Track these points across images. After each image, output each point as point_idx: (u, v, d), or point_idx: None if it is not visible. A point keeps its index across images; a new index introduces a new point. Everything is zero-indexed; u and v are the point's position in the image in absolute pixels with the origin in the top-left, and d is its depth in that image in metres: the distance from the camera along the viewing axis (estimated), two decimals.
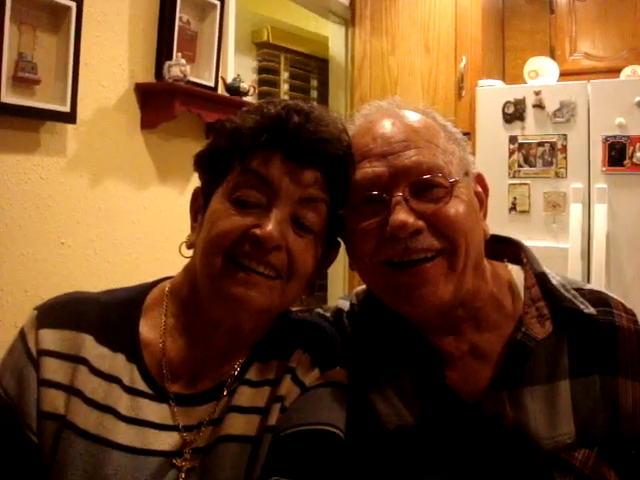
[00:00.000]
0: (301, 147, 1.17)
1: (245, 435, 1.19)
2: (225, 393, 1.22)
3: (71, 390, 1.18)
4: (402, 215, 1.20)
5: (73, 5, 2.63)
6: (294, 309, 1.37)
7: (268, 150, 1.17)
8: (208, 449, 1.19)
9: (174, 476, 1.16)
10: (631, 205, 3.90)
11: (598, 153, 3.96)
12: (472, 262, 1.25)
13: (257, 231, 1.15)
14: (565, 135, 4.02)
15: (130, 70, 3.00)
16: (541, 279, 1.33)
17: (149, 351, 1.24)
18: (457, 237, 1.22)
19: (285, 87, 4.84)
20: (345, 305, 1.45)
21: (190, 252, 1.26)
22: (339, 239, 1.32)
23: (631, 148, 3.88)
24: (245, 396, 1.22)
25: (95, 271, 2.84)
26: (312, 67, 5.08)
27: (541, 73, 4.31)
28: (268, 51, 4.67)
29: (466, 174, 1.29)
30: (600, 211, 3.91)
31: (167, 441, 1.18)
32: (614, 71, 4.30)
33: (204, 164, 1.27)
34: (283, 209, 1.17)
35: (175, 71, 2.99)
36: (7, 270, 2.53)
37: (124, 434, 1.17)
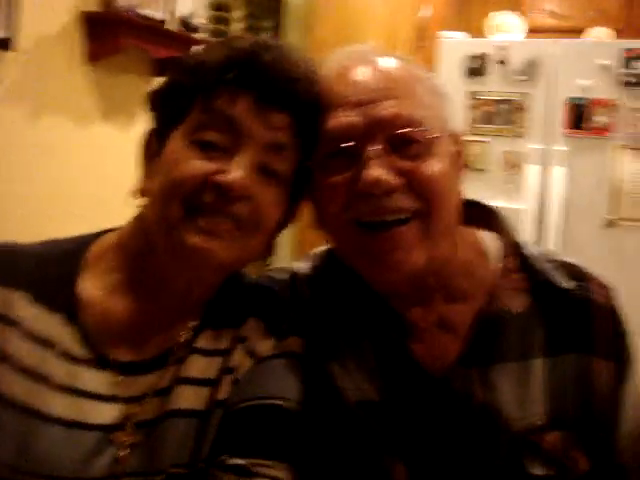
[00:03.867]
0: (272, 87, 1.06)
1: (194, 409, 1.09)
2: (173, 361, 1.11)
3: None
4: (377, 170, 1.10)
5: None
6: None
7: (236, 88, 1.06)
8: (153, 423, 1.08)
9: (114, 452, 1.06)
10: (590, 169, 3.85)
11: (560, 114, 3.89)
12: (448, 227, 1.16)
13: (220, 178, 1.04)
14: (527, 94, 3.93)
15: None
16: (517, 249, 1.25)
17: (90, 311, 1.11)
18: (435, 198, 1.12)
19: (238, 27, 4.65)
20: (303, 268, 1.34)
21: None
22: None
23: (593, 111, 3.80)
24: (196, 366, 1.11)
25: (31, 213, 2.66)
26: (267, 7, 4.89)
27: (505, 28, 4.21)
28: None
29: (445, 131, 1.18)
30: (558, 174, 3.85)
31: (107, 413, 1.07)
32: (578, 31, 4.24)
33: (160, 102, 1.14)
34: (250, 154, 1.06)
35: (124, 1, 2.81)
36: None
37: (59, 405, 1.05)
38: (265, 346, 1.15)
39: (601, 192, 3.81)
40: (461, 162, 1.23)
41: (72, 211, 2.82)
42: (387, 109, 1.12)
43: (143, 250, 1.12)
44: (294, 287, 1.30)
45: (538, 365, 1.18)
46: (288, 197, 1.14)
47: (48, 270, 1.13)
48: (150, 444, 1.07)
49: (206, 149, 1.06)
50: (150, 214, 1.10)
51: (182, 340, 1.13)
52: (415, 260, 1.12)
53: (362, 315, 1.23)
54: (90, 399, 1.07)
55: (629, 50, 3.77)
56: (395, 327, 1.20)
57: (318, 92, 1.13)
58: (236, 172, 1.04)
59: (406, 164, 1.12)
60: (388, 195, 1.11)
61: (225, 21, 4.52)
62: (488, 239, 1.28)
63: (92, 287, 1.13)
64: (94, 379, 1.08)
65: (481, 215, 1.31)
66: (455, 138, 1.23)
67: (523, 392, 1.16)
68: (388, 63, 1.20)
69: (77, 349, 1.09)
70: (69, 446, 1.04)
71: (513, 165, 3.93)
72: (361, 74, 1.17)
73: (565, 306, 1.21)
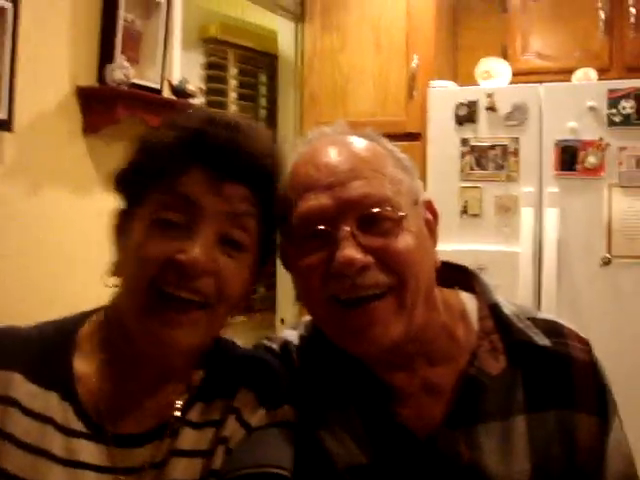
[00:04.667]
0: (226, 162, 1.11)
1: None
2: (167, 434, 1.15)
3: (1, 434, 1.10)
4: (349, 251, 1.14)
5: (9, 6, 2.50)
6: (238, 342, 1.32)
7: (189, 167, 1.11)
8: None
9: None
10: (582, 209, 3.88)
11: (550, 157, 3.93)
12: (423, 296, 1.21)
13: (182, 257, 1.07)
14: (517, 138, 3.98)
15: (71, 73, 2.88)
16: (494, 309, 1.29)
17: (84, 388, 1.16)
18: (407, 272, 1.17)
19: (233, 83, 4.74)
20: (293, 336, 1.38)
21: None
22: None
23: (583, 152, 3.85)
24: (188, 439, 1.16)
25: (35, 283, 2.71)
26: (261, 63, 4.98)
27: (493, 74, 4.26)
28: (216, 47, 4.55)
29: (415, 203, 1.24)
30: (551, 215, 3.88)
31: None
32: (566, 72, 4.27)
33: (124, 183, 1.19)
34: (209, 228, 1.10)
35: (118, 74, 2.88)
36: None
37: (60, 478, 1.09)
38: (257, 416, 1.18)
39: (595, 231, 3.85)
40: (435, 228, 1.28)
41: (76, 284, 2.85)
42: (356, 190, 1.17)
43: (119, 332, 1.16)
44: (285, 356, 1.34)
45: (520, 422, 1.21)
46: (256, 263, 1.18)
47: (41, 350, 1.17)
48: None
49: (167, 228, 1.10)
50: (122, 296, 1.15)
51: (174, 414, 1.17)
52: (392, 333, 1.17)
53: (348, 382, 1.27)
54: (90, 470, 1.11)
55: (612, 91, 3.83)
56: (379, 393, 1.24)
57: (273, 163, 1.17)
58: (196, 249, 1.08)
59: (377, 241, 1.17)
60: (362, 272, 1.15)
61: (221, 80, 4.60)
62: (467, 300, 1.32)
63: (84, 365, 1.18)
64: (92, 452, 1.12)
65: (460, 276, 1.36)
66: (428, 205, 1.28)
67: (507, 450, 1.20)
68: (355, 142, 1.25)
69: (74, 423, 1.13)
70: None
71: (507, 209, 3.96)
72: (330, 156, 1.22)
73: (544, 363, 1.25)
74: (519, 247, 3.92)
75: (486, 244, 4.00)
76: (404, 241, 1.18)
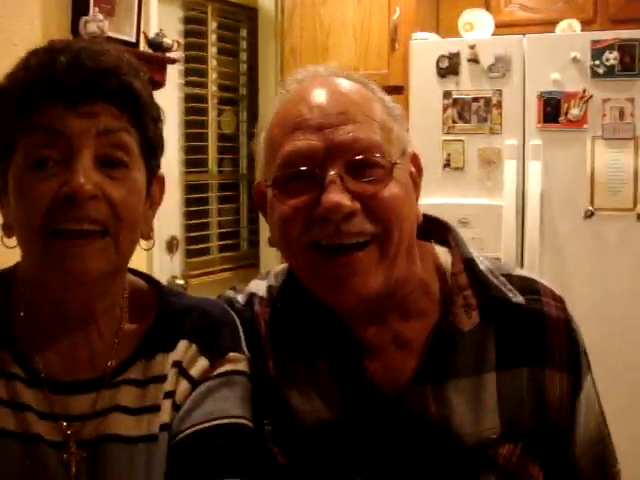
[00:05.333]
0: (77, 85, 1.08)
1: (137, 436, 1.13)
2: (105, 387, 1.15)
3: None
4: (337, 195, 1.12)
5: None
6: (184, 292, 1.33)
7: (45, 102, 1.08)
8: (95, 444, 1.12)
9: (63, 467, 1.11)
10: (565, 162, 3.87)
11: (533, 109, 3.91)
12: (405, 248, 1.19)
13: (65, 189, 1.05)
14: (500, 90, 3.95)
15: (43, 26, 2.83)
16: (469, 265, 1.27)
17: (20, 334, 1.16)
18: (393, 222, 1.15)
19: (213, 37, 4.67)
20: (261, 288, 1.36)
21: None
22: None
23: (566, 104, 3.83)
24: (131, 396, 1.16)
25: None
26: (241, 17, 4.90)
27: (476, 26, 4.22)
28: (195, 0, 4.48)
29: (403, 154, 1.21)
30: (534, 168, 3.87)
31: (50, 429, 1.12)
32: (549, 23, 4.24)
33: None
34: (84, 153, 1.07)
35: (92, 27, 2.84)
36: None
37: (5, 420, 1.11)
38: (199, 368, 1.18)
39: (578, 184, 3.84)
40: (419, 182, 1.26)
41: None
42: (347, 134, 1.15)
43: (33, 281, 1.16)
44: (249, 308, 1.33)
45: (491, 379, 1.21)
46: (143, 185, 1.16)
47: None
48: (96, 466, 1.11)
49: (44, 167, 1.07)
50: (22, 250, 1.13)
51: (112, 368, 1.16)
52: (372, 284, 1.15)
53: (317, 335, 1.25)
54: (34, 414, 1.12)
55: (596, 42, 3.80)
56: (350, 347, 1.23)
57: (128, 76, 1.13)
58: (77, 176, 1.05)
59: (365, 188, 1.15)
60: (347, 219, 1.13)
61: (200, 34, 4.54)
62: (442, 254, 1.31)
63: (19, 312, 1.17)
64: (32, 396, 1.13)
65: (435, 229, 1.34)
66: (413, 158, 1.26)
67: (477, 407, 1.19)
68: (349, 86, 1.22)
69: (12, 368, 1.14)
70: (23, 457, 1.10)
71: (490, 162, 3.95)
72: (321, 97, 1.19)
73: (517, 320, 1.24)
74: (502, 200, 3.91)
75: (469, 197, 3.98)
76: (391, 190, 1.16)
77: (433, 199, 3.77)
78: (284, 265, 1.35)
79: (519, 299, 1.25)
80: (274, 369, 1.25)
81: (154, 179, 1.20)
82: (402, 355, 1.23)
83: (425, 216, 1.30)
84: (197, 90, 4.52)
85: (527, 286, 1.28)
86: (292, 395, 1.23)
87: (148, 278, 1.28)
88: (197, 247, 4.52)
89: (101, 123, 1.08)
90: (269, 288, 1.35)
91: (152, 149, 1.17)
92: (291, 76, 1.29)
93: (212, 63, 4.65)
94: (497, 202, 3.93)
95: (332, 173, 1.13)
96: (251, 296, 1.35)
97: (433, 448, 1.18)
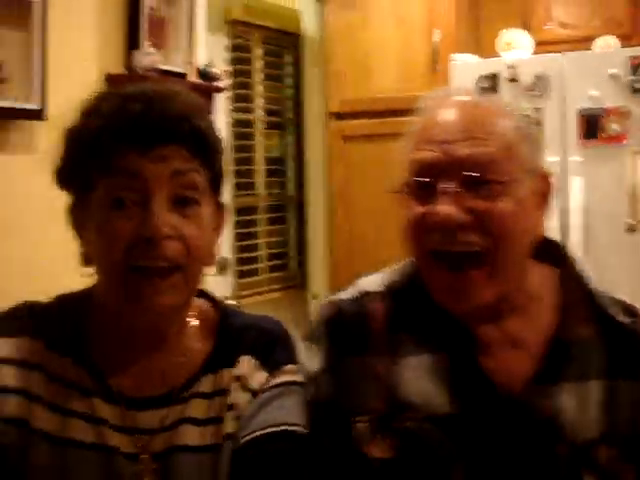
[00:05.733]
0: (149, 132, 1.15)
1: (203, 445, 1.22)
2: (176, 402, 1.24)
3: (29, 395, 1.20)
4: (446, 207, 1.19)
5: None
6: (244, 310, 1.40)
7: (121, 146, 1.15)
8: (165, 456, 1.21)
9: (136, 478, 1.19)
10: (606, 177, 3.92)
11: (573, 126, 3.97)
12: (516, 264, 1.26)
13: (144, 231, 1.14)
14: (540, 108, 4.02)
15: (99, 61, 2.99)
16: (582, 282, 1.34)
17: (96, 353, 1.25)
18: (502, 238, 1.21)
19: (258, 64, 4.81)
20: (373, 285, 1.40)
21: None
22: None
23: (605, 120, 3.88)
24: (199, 408, 1.24)
25: (70, 269, 2.80)
26: (285, 43, 5.04)
27: (515, 45, 4.29)
28: (240, 28, 4.62)
29: (530, 171, 1.26)
30: (576, 183, 3.92)
31: (125, 442, 1.20)
32: (587, 40, 4.29)
33: (66, 177, 1.24)
34: (159, 195, 1.15)
35: (144, 61, 2.97)
36: None
37: (85, 433, 1.19)
38: (258, 380, 1.26)
39: (619, 198, 3.89)
40: (545, 201, 1.31)
41: None
42: (465, 148, 1.21)
43: (109, 307, 1.24)
44: (361, 305, 1.37)
45: (596, 387, 1.27)
46: (212, 217, 1.24)
47: (60, 319, 1.27)
48: (167, 476, 1.20)
49: (122, 206, 1.15)
50: (100, 280, 1.22)
51: (181, 384, 1.25)
52: (482, 296, 1.23)
53: (435, 331, 1.31)
54: (109, 428, 1.20)
55: (635, 57, 3.85)
56: (467, 343, 1.29)
57: (197, 119, 1.20)
58: (154, 217, 1.13)
59: (479, 203, 1.20)
60: (456, 231, 1.20)
61: (245, 61, 4.67)
62: (555, 272, 1.36)
63: (95, 333, 1.26)
64: (108, 410, 1.21)
65: (550, 248, 1.38)
66: (542, 177, 1.30)
67: (582, 410, 1.25)
68: (478, 105, 1.30)
69: (89, 384, 1.22)
70: (98, 467, 1.18)
71: None
72: (450, 113, 1.27)
73: (621, 338, 1.30)
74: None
75: None
76: (505, 206, 1.21)
77: None
78: (400, 263, 1.40)
79: (625, 319, 1.31)
80: (388, 364, 1.30)
81: (219, 208, 1.29)
82: (517, 355, 1.28)
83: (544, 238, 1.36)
84: (244, 115, 4.66)
85: (628, 308, 1.34)
86: (406, 388, 1.29)
87: (211, 297, 1.36)
88: (247, 268, 4.63)
89: (173, 166, 1.16)
90: (385, 285, 1.39)
91: (218, 183, 1.26)
92: (429, 96, 1.36)
93: (258, 89, 4.79)
94: None
95: (446, 185, 1.21)
96: (362, 294, 1.38)
97: (541, 444, 1.24)
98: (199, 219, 1.20)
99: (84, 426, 1.20)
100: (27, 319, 1.26)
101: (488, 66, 4.20)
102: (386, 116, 4.45)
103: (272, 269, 4.88)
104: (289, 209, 5.08)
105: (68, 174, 1.22)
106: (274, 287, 4.78)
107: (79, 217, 1.23)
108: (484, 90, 4.11)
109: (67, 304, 1.30)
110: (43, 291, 1.32)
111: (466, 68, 4.25)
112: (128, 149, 1.14)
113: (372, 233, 4.58)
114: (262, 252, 4.80)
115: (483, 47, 4.72)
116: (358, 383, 1.30)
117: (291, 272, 5.01)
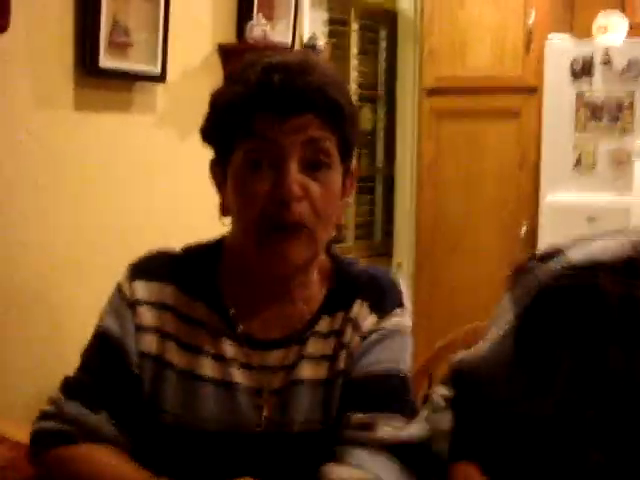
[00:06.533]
0: (289, 101, 1.25)
1: (318, 379, 1.35)
2: (295, 342, 1.37)
3: (163, 333, 1.35)
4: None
5: None
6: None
7: (259, 113, 1.26)
8: (283, 391, 1.34)
9: (256, 410, 1.33)
10: None
11: None
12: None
13: (278, 192, 1.25)
14: (633, 92, 4.07)
15: (213, 31, 3.15)
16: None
17: (227, 299, 1.38)
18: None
19: (354, 38, 4.93)
20: (607, 253, 1.12)
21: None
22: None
23: None
24: (316, 346, 1.36)
25: (185, 223, 2.99)
26: (381, 19, 5.15)
27: (610, 29, 4.32)
28: (339, 3, 4.75)
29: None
30: None
31: (248, 379, 1.34)
32: None
33: (210, 137, 1.36)
34: (292, 159, 1.26)
35: (257, 31, 3.12)
36: (108, 217, 2.74)
37: (212, 369, 1.33)
38: (369, 324, 1.38)
39: None
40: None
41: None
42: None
43: (239, 260, 1.38)
44: (593, 278, 1.11)
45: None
46: (339, 183, 1.34)
47: (190, 267, 1.40)
48: (284, 408, 1.34)
49: (260, 168, 1.27)
50: (237, 232, 1.36)
51: (302, 325, 1.38)
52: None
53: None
54: (235, 367, 1.34)
55: None
56: None
57: (333, 88, 1.29)
58: (288, 179, 1.25)
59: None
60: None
61: (343, 35, 4.80)
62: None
63: (224, 282, 1.39)
64: (235, 351, 1.35)
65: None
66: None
67: None
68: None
69: (219, 325, 1.36)
70: (222, 401, 1.33)
71: (620, 161, 4.06)
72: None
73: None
74: (631, 198, 4.02)
75: (598, 195, 4.12)
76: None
77: (563, 195, 3.93)
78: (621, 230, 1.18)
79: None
80: (619, 358, 1.09)
81: (348, 173, 1.40)
82: None
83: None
84: None
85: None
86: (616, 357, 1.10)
87: (327, 248, 1.47)
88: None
89: (308, 133, 1.27)
90: (623, 256, 1.12)
91: (349, 150, 1.37)
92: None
93: (353, 62, 4.92)
94: (626, 199, 4.05)
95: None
96: (594, 264, 1.12)
97: None
98: (328, 182, 1.31)
99: (211, 363, 1.34)
100: (162, 265, 1.40)
101: (582, 48, 4.25)
102: (479, 94, 4.55)
103: (358, 237, 5.03)
104: (378, 180, 5.22)
105: (212, 133, 1.35)
106: (360, 255, 4.92)
107: (220, 173, 1.36)
108: (577, 72, 4.18)
109: (198, 253, 1.43)
110: (163, 238, 1.44)
111: (560, 48, 4.31)
112: (267, 116, 1.25)
113: (458, 209, 4.70)
114: (349, 221, 4.94)
115: (578, 28, 4.72)
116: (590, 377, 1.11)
117: (376, 241, 5.16)
